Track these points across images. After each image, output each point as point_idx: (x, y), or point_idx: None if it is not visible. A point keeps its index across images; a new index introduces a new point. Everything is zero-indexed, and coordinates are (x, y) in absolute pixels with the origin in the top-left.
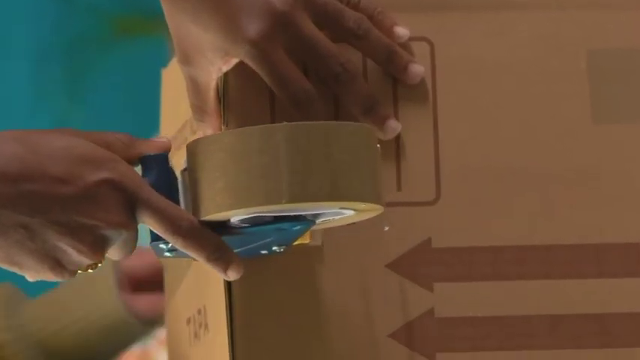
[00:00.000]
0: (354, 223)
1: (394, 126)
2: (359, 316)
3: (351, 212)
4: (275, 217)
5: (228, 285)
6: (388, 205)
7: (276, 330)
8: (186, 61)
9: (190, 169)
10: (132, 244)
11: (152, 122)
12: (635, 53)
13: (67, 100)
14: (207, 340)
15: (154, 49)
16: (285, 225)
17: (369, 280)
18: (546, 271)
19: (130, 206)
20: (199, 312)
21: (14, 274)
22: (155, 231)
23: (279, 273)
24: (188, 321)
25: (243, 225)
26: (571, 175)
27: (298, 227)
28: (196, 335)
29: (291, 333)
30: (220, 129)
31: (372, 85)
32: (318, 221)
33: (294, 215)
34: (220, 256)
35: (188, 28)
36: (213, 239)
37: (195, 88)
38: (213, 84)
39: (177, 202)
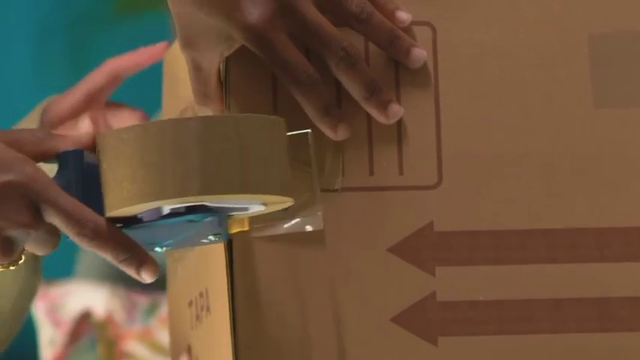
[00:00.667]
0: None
1: (396, 110)
2: (361, 300)
3: (260, 204)
4: (187, 208)
5: (230, 268)
6: (390, 189)
7: (278, 313)
8: (188, 45)
9: (100, 164)
10: (49, 242)
11: (155, 100)
12: (637, 37)
13: (68, 78)
14: (209, 322)
15: (156, 26)
16: (195, 217)
17: (370, 264)
18: (548, 256)
19: (35, 207)
20: (201, 295)
21: None
22: (63, 232)
23: (281, 257)
24: (190, 304)
25: (152, 219)
26: (572, 159)
27: (209, 219)
28: (198, 318)
29: (293, 317)
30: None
31: (375, 69)
32: (229, 212)
33: (206, 207)
34: (131, 257)
35: (191, 13)
36: (122, 240)
37: (197, 73)
38: (215, 68)
39: (93, 199)
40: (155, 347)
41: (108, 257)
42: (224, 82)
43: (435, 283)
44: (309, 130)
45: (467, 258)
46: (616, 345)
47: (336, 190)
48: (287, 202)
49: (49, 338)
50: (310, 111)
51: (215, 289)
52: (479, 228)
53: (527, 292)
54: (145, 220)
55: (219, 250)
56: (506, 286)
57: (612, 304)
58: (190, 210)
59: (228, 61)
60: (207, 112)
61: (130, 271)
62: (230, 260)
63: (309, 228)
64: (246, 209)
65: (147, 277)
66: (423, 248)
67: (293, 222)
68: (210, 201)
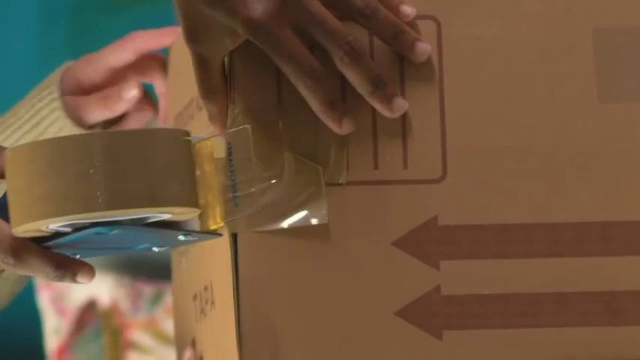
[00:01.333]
0: None
1: (401, 104)
2: (365, 294)
3: (168, 215)
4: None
5: (235, 262)
6: (394, 182)
7: (282, 308)
8: (193, 39)
9: (8, 178)
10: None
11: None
12: None
13: (73, 58)
14: (213, 316)
15: (161, 10)
16: (102, 229)
17: (375, 258)
18: (552, 249)
19: None
20: (206, 288)
21: None
22: None
23: (286, 251)
24: (194, 297)
25: (64, 231)
26: (577, 153)
27: (116, 231)
28: (203, 311)
29: (297, 311)
30: (227, 107)
31: (379, 64)
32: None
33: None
34: (63, 274)
35: (195, 7)
36: (46, 259)
37: (202, 67)
38: (219, 63)
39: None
40: (160, 336)
41: (41, 277)
42: (228, 76)
43: (440, 276)
44: (247, 126)
45: (471, 252)
46: (622, 339)
47: (341, 184)
48: (195, 212)
49: (54, 327)
50: (315, 105)
51: (220, 283)
52: (483, 222)
53: (531, 286)
54: (53, 232)
55: (224, 245)
56: (510, 280)
57: (618, 298)
58: (98, 224)
59: (232, 55)
60: (211, 105)
61: (67, 282)
62: (235, 254)
63: (313, 222)
64: (158, 217)
65: (84, 281)
66: (427, 242)
67: (297, 216)
68: (115, 215)
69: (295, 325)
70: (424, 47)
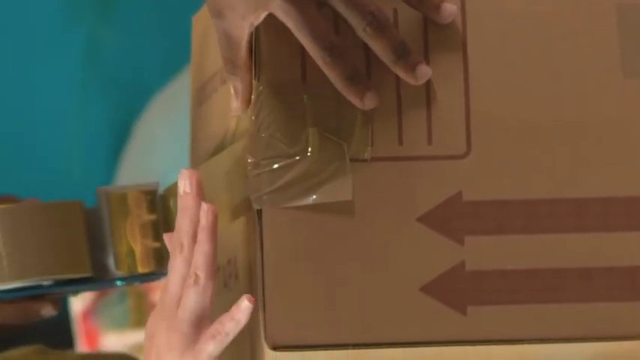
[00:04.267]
0: None
1: (425, 71)
2: (390, 270)
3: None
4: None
5: (260, 237)
6: (419, 158)
7: (307, 283)
8: (217, 15)
9: None
10: None
11: (184, 43)
12: None
13: (97, 21)
14: (237, 289)
15: None
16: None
17: (399, 234)
18: (577, 224)
19: None
20: (229, 262)
21: None
22: None
23: (311, 227)
24: (217, 269)
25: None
26: (601, 128)
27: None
28: (226, 285)
29: (321, 287)
30: (251, 84)
31: (404, 36)
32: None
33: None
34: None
35: None
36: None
37: (227, 42)
38: (245, 38)
39: None
40: None
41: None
42: (253, 53)
43: (464, 252)
44: (157, 182)
45: (496, 227)
46: None
47: (365, 160)
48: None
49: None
50: (335, 81)
51: (244, 258)
52: (508, 197)
53: (556, 262)
54: None
55: (249, 220)
56: (535, 256)
57: None
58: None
59: (258, 31)
60: (235, 80)
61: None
62: (260, 230)
63: (338, 198)
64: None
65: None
66: (452, 218)
67: (322, 192)
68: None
69: (319, 301)
70: (450, 8)
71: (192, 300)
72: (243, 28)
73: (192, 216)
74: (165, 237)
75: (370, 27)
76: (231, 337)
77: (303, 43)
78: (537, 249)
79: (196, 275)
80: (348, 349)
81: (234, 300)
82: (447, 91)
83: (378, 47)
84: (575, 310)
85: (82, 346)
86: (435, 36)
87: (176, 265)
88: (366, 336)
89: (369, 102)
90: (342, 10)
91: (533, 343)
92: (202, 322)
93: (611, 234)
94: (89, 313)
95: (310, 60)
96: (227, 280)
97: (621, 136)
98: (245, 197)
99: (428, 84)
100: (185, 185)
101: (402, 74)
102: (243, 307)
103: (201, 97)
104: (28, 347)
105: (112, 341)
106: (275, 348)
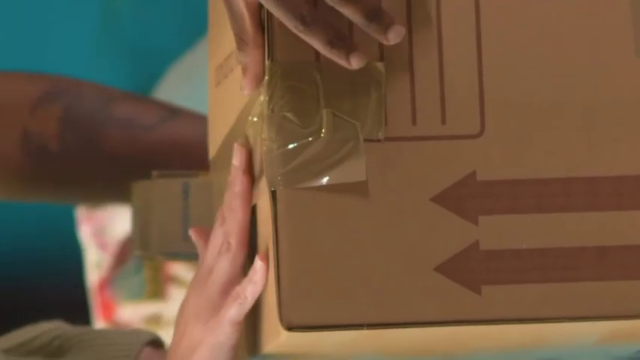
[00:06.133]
0: None
1: (396, 32)
2: (404, 250)
3: None
4: None
5: (275, 218)
6: (433, 138)
7: (321, 263)
8: None
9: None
10: None
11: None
12: None
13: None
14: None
15: None
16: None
17: (413, 214)
18: (591, 203)
19: None
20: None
21: None
22: None
23: (325, 207)
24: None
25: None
26: (614, 107)
27: None
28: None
29: (336, 267)
30: (259, 61)
31: (415, 17)
32: None
33: None
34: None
35: None
36: None
37: (232, 16)
38: (246, 13)
39: None
40: None
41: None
42: (266, 32)
43: (478, 232)
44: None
45: (510, 206)
46: None
47: (379, 140)
48: None
49: (95, 261)
50: (318, 47)
51: (261, 239)
52: (522, 176)
53: (571, 240)
54: None
55: (263, 201)
56: (549, 234)
57: None
58: None
59: (270, 11)
60: (245, 57)
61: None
62: (274, 210)
63: (352, 178)
64: None
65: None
66: (465, 197)
67: (336, 172)
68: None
69: (334, 282)
70: (399, 30)
71: (223, 266)
72: (240, 1)
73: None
74: (191, 231)
75: None
76: (250, 302)
77: (275, 15)
78: (551, 228)
79: (228, 243)
80: (362, 329)
81: None
82: (460, 71)
83: (348, 13)
84: (589, 289)
85: (97, 317)
86: (449, 16)
87: (214, 237)
88: (380, 316)
89: (355, 62)
90: None
91: (548, 322)
92: (228, 292)
93: (625, 212)
94: (105, 284)
95: None
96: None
97: (634, 115)
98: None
99: (441, 64)
100: (235, 159)
101: (376, 37)
102: (258, 267)
103: (219, 76)
104: (48, 323)
105: (128, 312)
106: (290, 328)
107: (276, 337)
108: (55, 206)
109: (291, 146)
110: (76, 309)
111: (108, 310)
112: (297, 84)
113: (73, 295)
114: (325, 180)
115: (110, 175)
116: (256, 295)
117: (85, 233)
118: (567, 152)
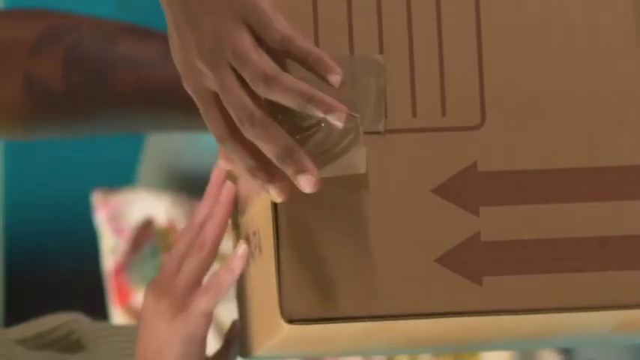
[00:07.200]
0: None
1: (308, 179)
2: (405, 241)
3: None
4: None
5: (275, 211)
6: (433, 130)
7: (321, 256)
8: None
9: None
10: None
11: None
12: None
13: None
14: (260, 261)
15: None
16: None
17: (414, 205)
18: (594, 193)
19: None
20: (254, 234)
21: None
22: None
23: (325, 199)
24: (246, 238)
25: None
26: (616, 97)
27: None
28: (253, 255)
29: (336, 259)
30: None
31: (418, 6)
32: None
33: None
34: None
35: None
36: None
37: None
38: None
39: None
40: (222, 259)
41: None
42: None
43: (479, 223)
44: None
45: (511, 197)
46: None
47: (379, 132)
48: None
49: (111, 246)
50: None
51: (265, 231)
52: (523, 167)
53: (573, 231)
54: None
55: (265, 194)
56: (552, 225)
57: None
58: None
59: None
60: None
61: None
62: (274, 203)
63: (352, 170)
64: None
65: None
66: (466, 189)
67: (336, 165)
68: None
69: (334, 274)
70: (308, 180)
71: (193, 266)
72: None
73: (210, 206)
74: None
75: (249, 125)
76: (225, 290)
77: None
78: (554, 218)
79: (203, 243)
80: (364, 321)
81: (258, 270)
82: (460, 62)
83: (263, 149)
84: (592, 279)
85: (113, 302)
86: (448, 7)
87: (180, 244)
88: (381, 308)
89: (273, 193)
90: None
91: (551, 312)
92: (194, 288)
93: (628, 202)
94: (121, 269)
95: (323, 34)
96: (253, 251)
97: (636, 105)
98: None
99: (441, 55)
100: (212, 179)
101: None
102: (240, 254)
103: None
104: (66, 315)
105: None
106: (291, 321)
107: (276, 332)
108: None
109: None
110: (92, 294)
111: (123, 295)
112: (298, 76)
113: (88, 280)
114: (326, 173)
115: (116, 112)
116: (231, 284)
117: (100, 219)
118: (569, 142)
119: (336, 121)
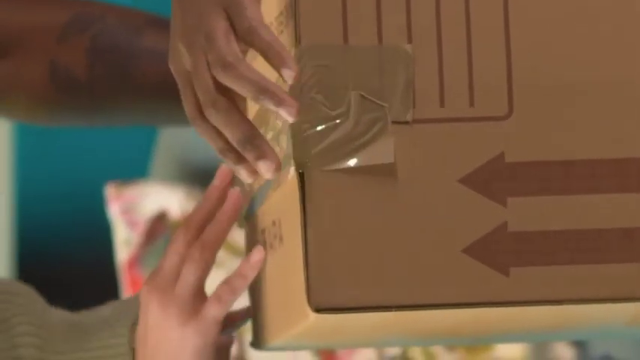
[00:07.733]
0: None
1: (267, 165)
2: (432, 232)
3: None
4: None
5: (303, 200)
6: (461, 120)
7: (349, 245)
8: None
9: None
10: None
11: None
12: None
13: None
14: (282, 251)
15: None
16: None
17: (441, 195)
18: (619, 185)
19: None
20: (274, 224)
21: None
22: None
23: (353, 189)
24: (262, 231)
25: None
26: None
27: None
28: (271, 246)
29: (364, 249)
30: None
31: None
32: None
33: None
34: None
35: None
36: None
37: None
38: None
39: None
40: (230, 248)
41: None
42: (294, 15)
43: (507, 213)
44: None
45: (538, 188)
46: None
47: (407, 122)
48: None
49: (125, 239)
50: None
51: (288, 220)
52: (550, 158)
53: (598, 222)
54: None
55: (292, 182)
56: (577, 216)
57: None
58: None
59: None
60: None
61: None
62: (302, 192)
63: (380, 160)
64: None
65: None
66: (494, 179)
67: (364, 154)
68: None
69: (362, 263)
70: (268, 166)
71: (193, 275)
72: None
73: (210, 207)
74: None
75: (213, 109)
76: (237, 296)
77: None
78: (579, 209)
79: (202, 249)
80: (391, 310)
81: (277, 261)
82: (488, 53)
83: (227, 135)
84: (617, 271)
85: (126, 295)
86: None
87: (178, 245)
88: (408, 298)
89: (243, 175)
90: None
91: (576, 303)
92: (199, 295)
93: None
94: (134, 261)
95: (352, 22)
96: (272, 242)
97: None
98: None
99: (469, 45)
100: (215, 180)
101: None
102: (254, 261)
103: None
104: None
105: None
106: (318, 310)
107: (301, 321)
108: (85, 184)
109: (319, 128)
110: (106, 286)
111: (137, 287)
112: (326, 66)
113: (102, 272)
114: (353, 162)
115: (137, 104)
116: (244, 290)
117: (114, 211)
118: (595, 133)
119: (288, 116)
